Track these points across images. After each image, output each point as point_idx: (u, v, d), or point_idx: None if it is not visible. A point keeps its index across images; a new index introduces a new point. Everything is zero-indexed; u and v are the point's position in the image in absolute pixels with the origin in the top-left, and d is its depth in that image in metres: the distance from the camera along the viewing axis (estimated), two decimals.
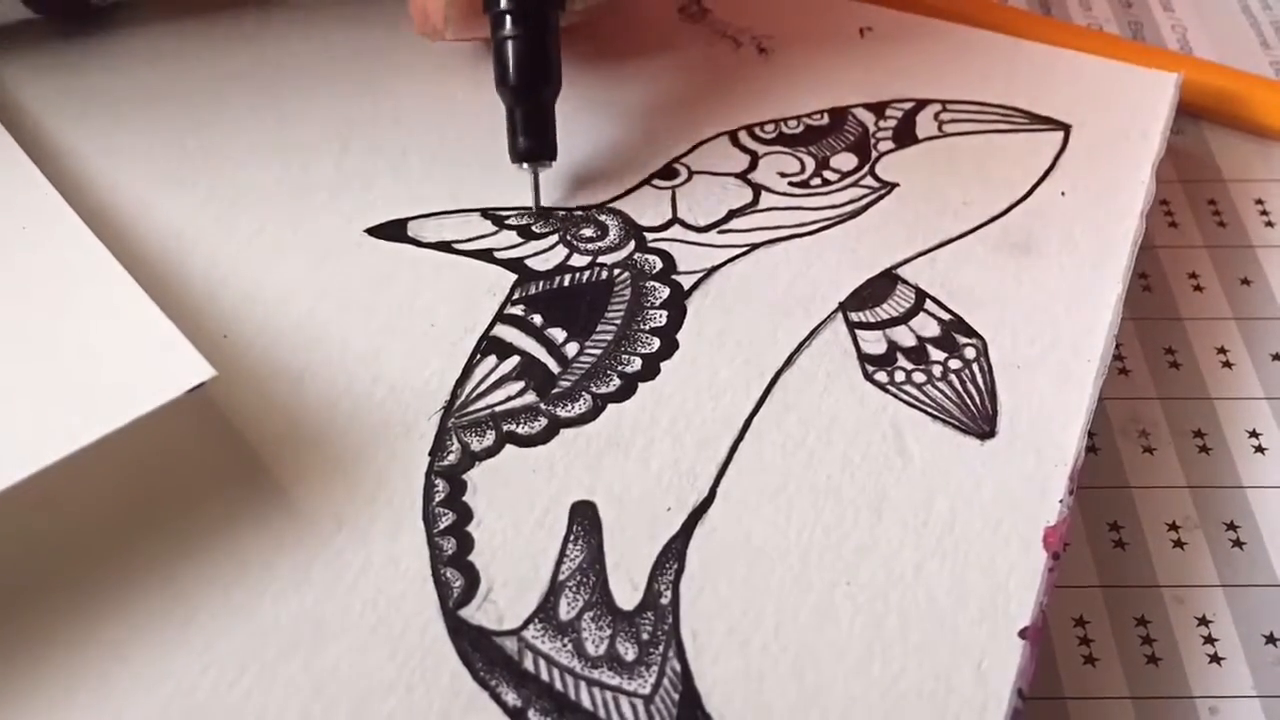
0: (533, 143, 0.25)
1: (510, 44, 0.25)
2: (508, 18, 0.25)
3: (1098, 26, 0.35)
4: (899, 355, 0.24)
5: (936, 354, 0.24)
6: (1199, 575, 0.24)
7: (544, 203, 0.26)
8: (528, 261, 0.25)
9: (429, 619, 0.20)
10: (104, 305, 0.23)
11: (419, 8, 0.26)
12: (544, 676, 0.20)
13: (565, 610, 0.20)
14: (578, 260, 0.25)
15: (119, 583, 0.20)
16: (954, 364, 0.24)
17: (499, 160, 0.26)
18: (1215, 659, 0.23)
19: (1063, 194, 0.27)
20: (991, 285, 0.25)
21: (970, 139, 0.28)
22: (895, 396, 0.23)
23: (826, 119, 0.29)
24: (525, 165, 0.26)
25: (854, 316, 0.25)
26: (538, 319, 0.24)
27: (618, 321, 0.24)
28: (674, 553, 0.21)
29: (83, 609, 0.20)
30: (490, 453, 0.22)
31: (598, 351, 0.24)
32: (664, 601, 0.20)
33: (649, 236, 0.26)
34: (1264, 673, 0.22)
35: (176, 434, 0.22)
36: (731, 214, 0.26)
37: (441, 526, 0.21)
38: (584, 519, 0.21)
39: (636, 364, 0.24)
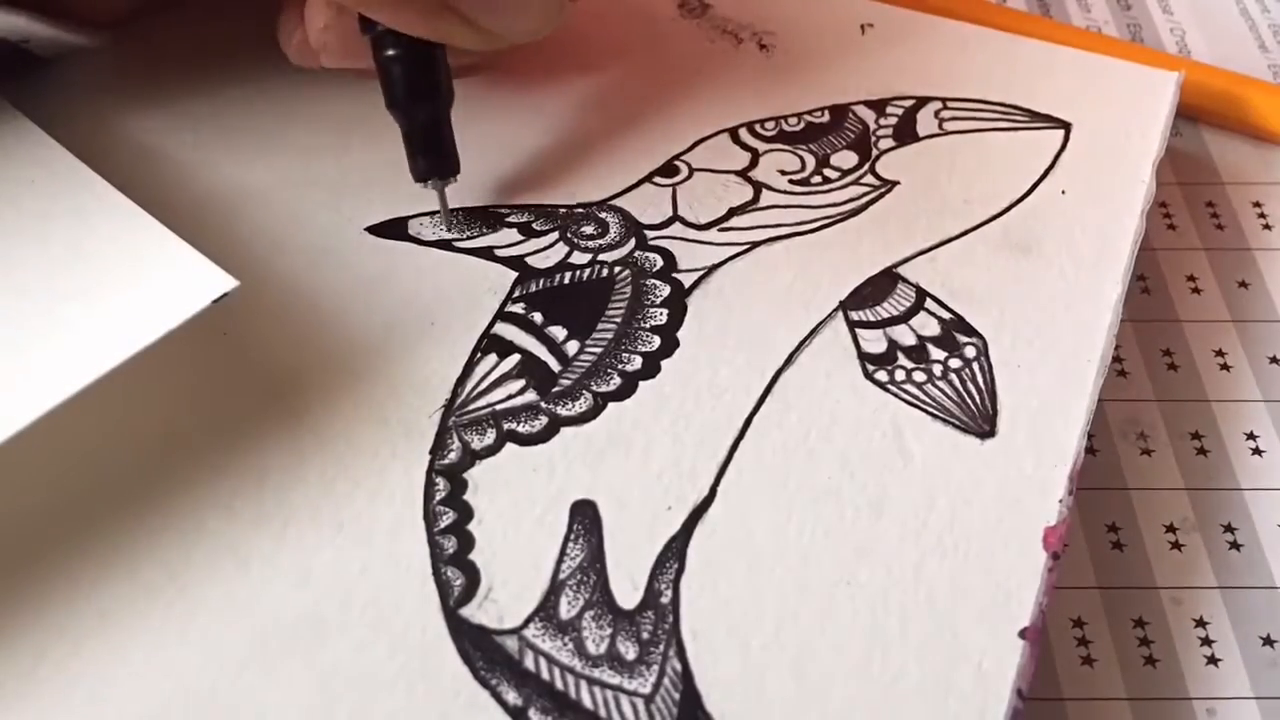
0: (430, 160, 0.25)
1: (393, 65, 0.24)
2: (388, 38, 0.24)
3: (1097, 28, 0.35)
4: (899, 354, 0.24)
5: (937, 353, 0.24)
6: (1197, 577, 0.24)
7: (546, 201, 0.26)
8: (528, 259, 0.25)
9: (429, 618, 0.20)
10: (121, 237, 0.23)
11: (292, 40, 0.25)
12: (544, 675, 0.20)
13: (566, 609, 0.20)
14: (578, 258, 0.25)
15: (119, 583, 0.20)
16: (954, 363, 0.24)
17: (499, 159, 0.26)
18: (1213, 660, 0.23)
19: (1063, 192, 0.27)
20: (992, 284, 0.25)
21: (971, 137, 0.28)
22: (895, 395, 0.23)
23: (827, 116, 0.29)
24: (428, 184, 0.25)
25: (854, 315, 0.25)
26: (538, 317, 0.24)
27: (618, 319, 0.24)
28: (674, 552, 0.21)
29: (82, 608, 0.20)
30: (491, 451, 0.22)
31: (598, 350, 0.24)
32: (664, 601, 0.20)
33: (649, 234, 0.26)
34: (1261, 674, 0.22)
35: (176, 432, 0.22)
36: (732, 212, 0.26)
37: (442, 525, 0.21)
38: (584, 518, 0.21)
39: (637, 362, 0.24)
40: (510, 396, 0.23)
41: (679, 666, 0.20)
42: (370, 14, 0.23)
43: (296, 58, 0.26)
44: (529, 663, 0.20)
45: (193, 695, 0.19)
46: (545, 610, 0.20)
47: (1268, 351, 0.27)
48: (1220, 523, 0.25)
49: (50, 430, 0.20)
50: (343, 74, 0.26)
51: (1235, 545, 0.24)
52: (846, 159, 0.28)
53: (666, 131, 0.28)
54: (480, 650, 0.20)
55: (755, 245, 0.26)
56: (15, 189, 0.24)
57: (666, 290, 0.25)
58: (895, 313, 0.25)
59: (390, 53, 0.24)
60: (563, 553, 0.21)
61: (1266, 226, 0.30)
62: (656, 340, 0.24)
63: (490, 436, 0.22)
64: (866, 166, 0.28)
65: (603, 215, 0.26)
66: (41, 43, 0.26)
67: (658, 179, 0.27)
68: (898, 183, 0.27)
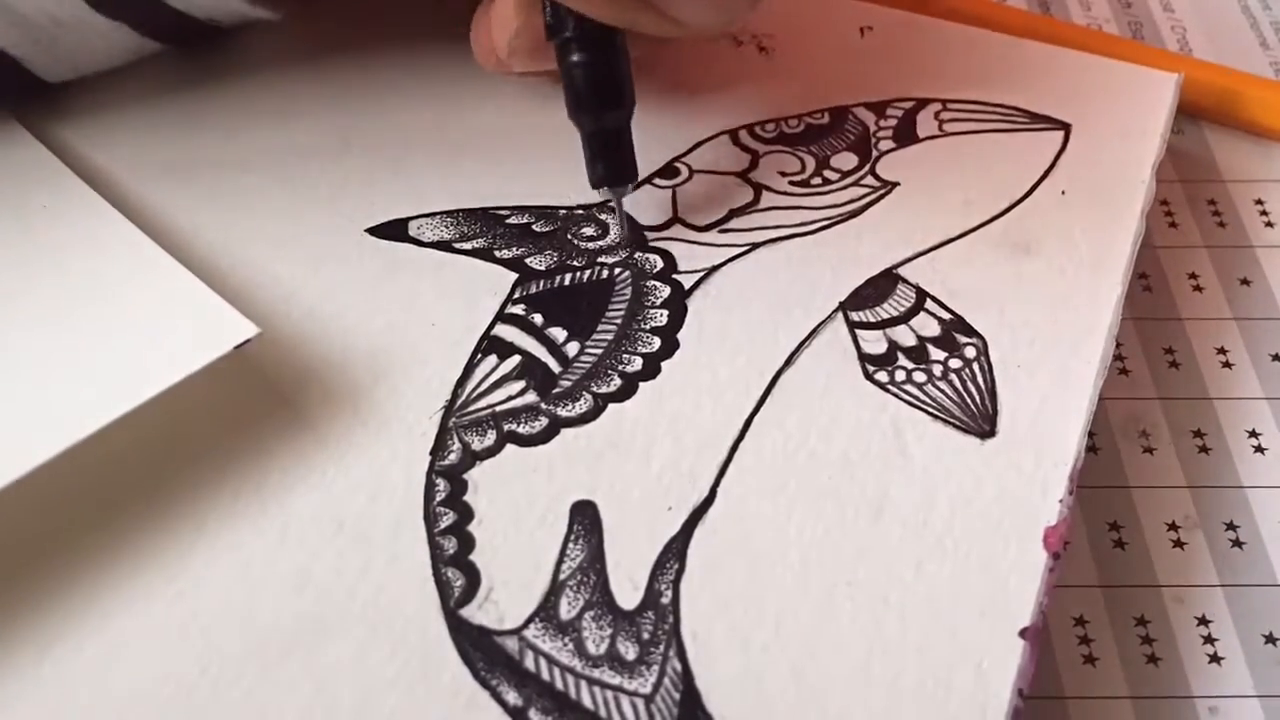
0: (610, 168, 0.25)
1: (578, 70, 0.24)
2: (574, 44, 0.24)
3: (1098, 26, 0.35)
4: (899, 355, 0.24)
5: (937, 353, 0.24)
6: (1199, 575, 0.24)
7: (545, 202, 0.26)
8: (528, 260, 0.25)
9: (430, 618, 0.20)
10: (138, 274, 0.23)
11: (483, 44, 0.26)
12: (545, 676, 0.20)
13: (566, 610, 0.20)
14: (578, 259, 0.25)
15: (120, 584, 0.20)
16: (954, 363, 0.24)
17: (499, 159, 0.26)
18: (1215, 659, 0.23)
19: (1063, 193, 0.27)
20: (992, 285, 0.25)
21: (971, 138, 0.28)
22: (895, 396, 0.23)
23: (827, 118, 0.29)
24: (604, 191, 0.25)
25: (854, 316, 0.25)
26: (538, 318, 0.24)
27: (618, 321, 0.24)
28: (674, 552, 0.21)
29: (81, 608, 0.20)
30: (491, 452, 0.22)
31: (598, 351, 0.24)
32: (664, 601, 0.20)
33: (650, 235, 0.26)
34: (1263, 672, 0.22)
35: (176, 433, 0.22)
36: (732, 213, 0.26)
37: (442, 526, 0.21)
38: (584, 518, 0.21)
39: (637, 363, 0.24)
40: (511, 398, 0.23)
41: (679, 666, 0.20)
42: None
43: (484, 62, 0.26)
44: (529, 663, 0.20)
45: (194, 696, 0.19)
46: (545, 611, 0.20)
47: (1269, 349, 0.27)
48: (1222, 520, 0.25)
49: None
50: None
51: (1237, 543, 0.24)
52: (846, 160, 0.28)
53: (666, 133, 0.28)
54: (480, 651, 0.20)
55: (755, 246, 0.26)
56: (30, 215, 0.25)
57: (666, 291, 0.25)
58: (895, 313, 0.25)
59: (575, 59, 0.24)
60: (563, 553, 0.21)
61: (1268, 224, 0.30)
62: (656, 341, 0.24)
63: (490, 437, 0.22)
64: (866, 168, 0.28)
65: (603, 217, 0.26)
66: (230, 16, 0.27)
67: (658, 180, 0.27)
68: (898, 184, 0.27)
